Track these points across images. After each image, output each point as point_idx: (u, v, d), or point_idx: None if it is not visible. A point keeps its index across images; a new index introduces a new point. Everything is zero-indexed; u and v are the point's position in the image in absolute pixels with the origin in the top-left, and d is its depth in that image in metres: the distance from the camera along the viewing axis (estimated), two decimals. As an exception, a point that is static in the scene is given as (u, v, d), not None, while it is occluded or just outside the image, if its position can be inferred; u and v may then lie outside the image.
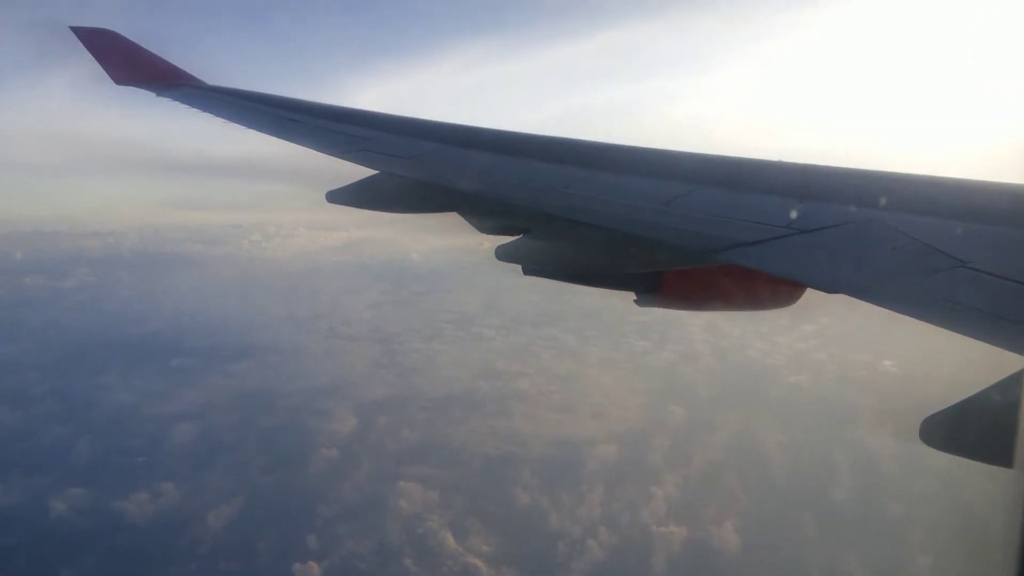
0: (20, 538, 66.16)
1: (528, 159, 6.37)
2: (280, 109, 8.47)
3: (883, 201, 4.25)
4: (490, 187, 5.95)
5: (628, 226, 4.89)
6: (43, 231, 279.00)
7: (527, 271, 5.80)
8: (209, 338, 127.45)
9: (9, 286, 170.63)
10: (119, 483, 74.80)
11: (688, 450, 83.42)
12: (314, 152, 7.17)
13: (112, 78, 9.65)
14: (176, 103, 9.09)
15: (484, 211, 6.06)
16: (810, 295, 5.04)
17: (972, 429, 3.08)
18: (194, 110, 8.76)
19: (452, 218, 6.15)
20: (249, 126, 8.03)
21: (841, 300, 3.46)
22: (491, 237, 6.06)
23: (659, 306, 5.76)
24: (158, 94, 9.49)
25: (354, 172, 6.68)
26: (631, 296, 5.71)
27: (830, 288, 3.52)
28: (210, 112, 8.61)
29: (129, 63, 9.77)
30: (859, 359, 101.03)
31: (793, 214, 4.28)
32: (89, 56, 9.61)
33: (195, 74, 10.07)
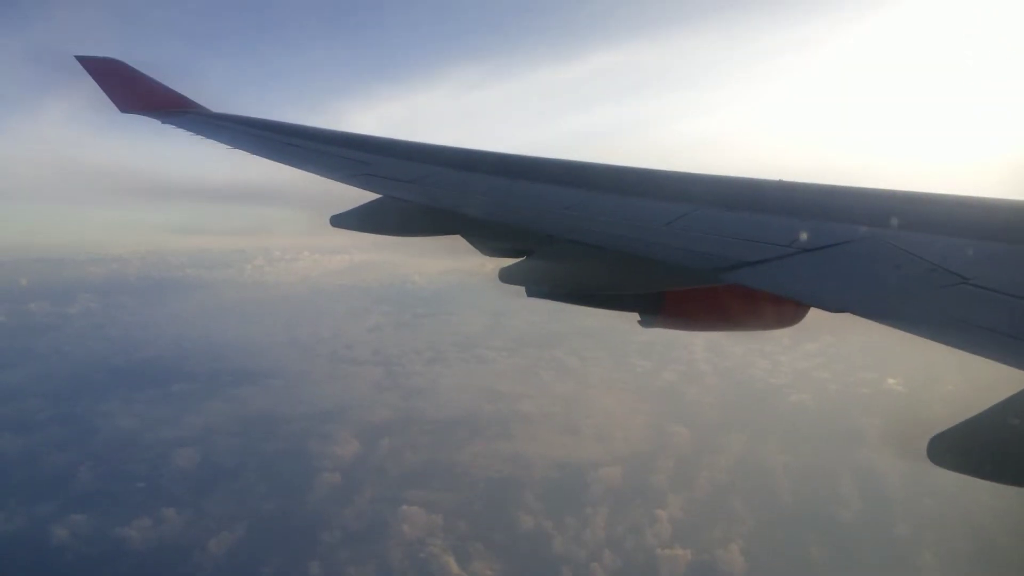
0: (22, 565, 65.86)
1: (530, 181, 6.39)
2: (283, 135, 8.53)
3: (885, 219, 4.26)
4: (493, 209, 5.96)
5: (631, 247, 4.89)
6: (48, 258, 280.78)
7: (531, 293, 5.80)
8: (211, 363, 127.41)
9: (14, 313, 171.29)
10: (121, 509, 74.48)
11: (692, 471, 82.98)
12: (317, 177, 7.21)
13: (117, 106, 9.74)
14: (180, 130, 9.15)
15: (487, 233, 6.07)
16: (813, 314, 5.05)
17: (983, 447, 3.06)
18: (198, 137, 8.83)
19: (455, 241, 6.16)
20: (253, 152, 8.08)
21: (843, 319, 3.47)
22: (494, 259, 6.07)
23: (663, 327, 5.75)
24: (163, 121, 9.56)
25: (357, 196, 6.71)
26: (634, 317, 5.71)
27: (834, 307, 3.52)
28: (214, 139, 8.67)
29: (134, 91, 9.87)
30: (863, 377, 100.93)
31: (795, 233, 4.29)
32: (94, 85, 9.70)
33: (198, 101, 10.16)
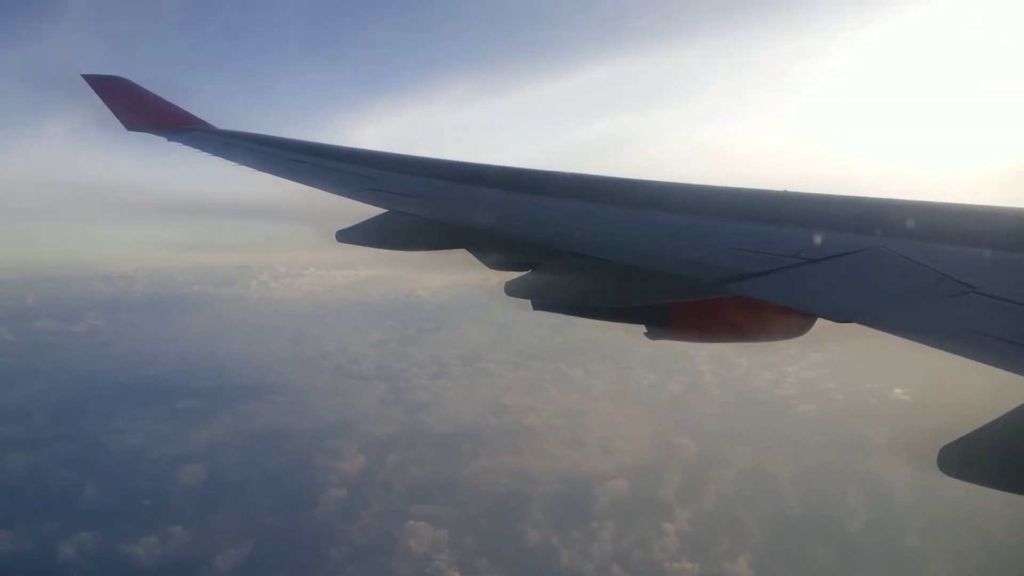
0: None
1: (535, 194, 6.40)
2: (289, 151, 8.55)
3: (891, 229, 4.26)
4: (498, 223, 5.97)
5: (636, 259, 4.90)
6: (54, 276, 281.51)
7: (537, 306, 5.82)
8: (217, 379, 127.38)
9: (20, 331, 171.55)
10: (128, 526, 74.37)
11: (699, 484, 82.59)
12: (323, 192, 7.23)
13: (124, 124, 9.79)
14: (187, 147, 9.20)
15: (493, 247, 6.09)
16: (819, 324, 5.04)
17: (994, 457, 3.05)
18: (204, 154, 8.87)
19: (461, 255, 6.18)
20: (259, 168, 8.10)
21: (848, 328, 3.47)
22: (500, 273, 6.09)
23: (670, 339, 5.75)
24: (169, 139, 9.60)
25: (363, 211, 6.73)
26: (640, 329, 5.71)
27: (841, 317, 3.52)
28: (220, 156, 8.69)
29: (140, 109, 9.91)
30: (869, 388, 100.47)
31: (801, 244, 4.29)
32: (101, 103, 9.76)
33: (202, 119, 10.21)
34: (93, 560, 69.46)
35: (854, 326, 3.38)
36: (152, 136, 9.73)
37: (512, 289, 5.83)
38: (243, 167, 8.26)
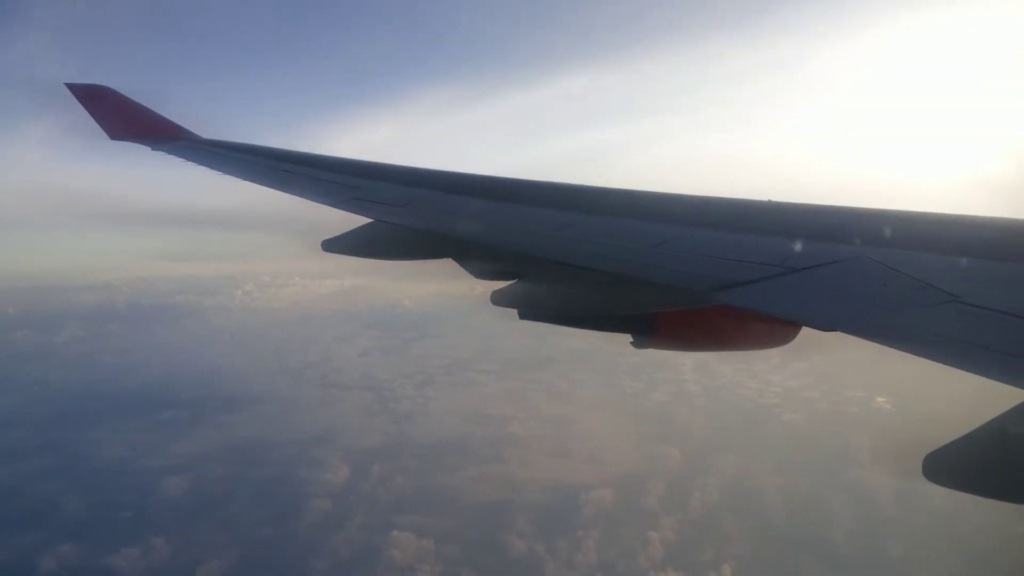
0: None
1: (521, 203, 6.40)
2: (273, 160, 8.52)
3: (874, 238, 4.30)
4: (484, 232, 5.97)
5: (621, 268, 4.90)
6: (35, 286, 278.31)
7: (523, 315, 5.82)
8: (200, 390, 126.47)
9: (1, 341, 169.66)
10: (109, 538, 73.57)
11: (684, 493, 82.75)
12: (308, 202, 7.20)
13: (107, 133, 9.72)
14: (171, 156, 9.15)
15: (478, 256, 6.08)
16: (804, 333, 5.07)
17: (978, 464, 3.07)
18: (189, 163, 8.82)
19: (447, 264, 6.17)
20: (243, 178, 8.07)
21: (830, 337, 3.49)
22: (485, 282, 6.08)
23: (655, 347, 5.76)
24: (153, 148, 9.55)
25: (348, 221, 6.71)
26: (625, 338, 5.72)
27: (825, 326, 3.54)
28: (204, 165, 8.65)
29: (124, 118, 9.85)
30: (852, 396, 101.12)
31: (786, 253, 4.32)
32: (84, 112, 9.70)
33: (187, 127, 10.17)
34: (74, 572, 68.66)
35: (838, 334, 3.40)
36: (136, 145, 9.67)
37: (498, 298, 5.83)
38: (227, 176, 8.22)
